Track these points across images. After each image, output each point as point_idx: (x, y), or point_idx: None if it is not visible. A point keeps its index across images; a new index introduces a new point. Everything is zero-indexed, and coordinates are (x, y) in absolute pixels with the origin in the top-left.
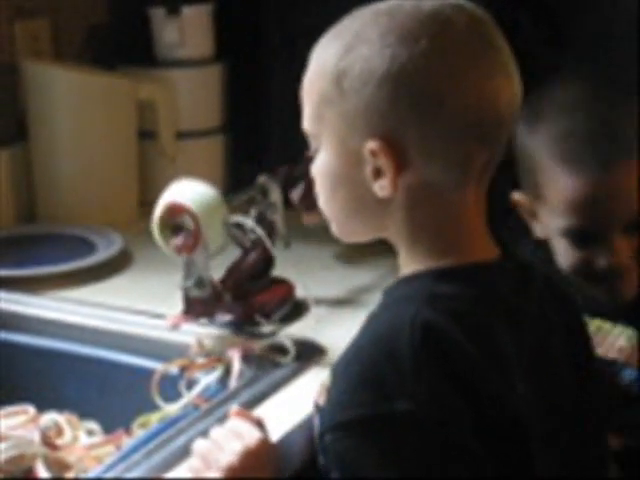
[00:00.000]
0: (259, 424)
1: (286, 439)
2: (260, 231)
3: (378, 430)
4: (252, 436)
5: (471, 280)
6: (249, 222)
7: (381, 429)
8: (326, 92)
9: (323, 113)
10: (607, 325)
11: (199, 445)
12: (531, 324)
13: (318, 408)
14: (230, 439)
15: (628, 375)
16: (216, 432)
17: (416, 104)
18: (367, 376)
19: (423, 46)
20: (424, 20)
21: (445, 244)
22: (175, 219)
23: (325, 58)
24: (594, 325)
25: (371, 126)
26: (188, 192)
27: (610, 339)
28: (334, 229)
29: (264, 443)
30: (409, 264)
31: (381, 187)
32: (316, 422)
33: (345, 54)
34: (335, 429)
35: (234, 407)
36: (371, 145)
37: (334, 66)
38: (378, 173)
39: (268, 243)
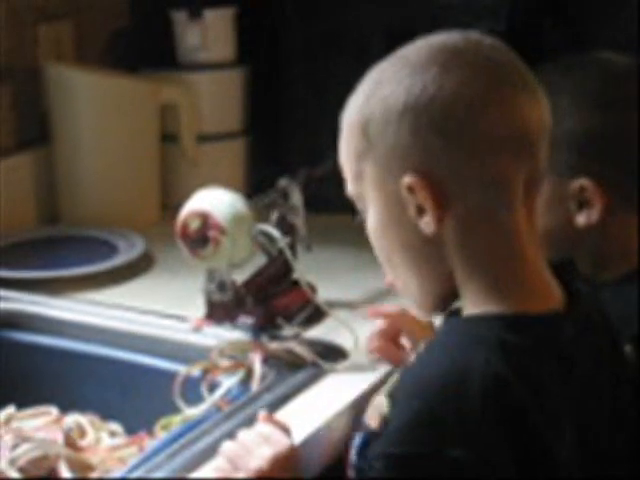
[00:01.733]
0: (286, 430)
1: (308, 442)
2: (283, 243)
3: (427, 470)
4: (281, 443)
5: (539, 331)
6: (275, 233)
7: (430, 470)
8: (358, 147)
9: (361, 169)
10: None
11: (227, 447)
12: (586, 378)
13: (364, 428)
14: (259, 443)
15: None
16: (244, 435)
17: (438, 130)
18: (429, 415)
19: (434, 73)
20: (433, 51)
21: (503, 279)
22: (196, 225)
23: (350, 116)
24: None
25: (402, 163)
26: (213, 201)
27: None
28: (415, 301)
29: (292, 450)
30: (469, 305)
31: (426, 224)
32: (357, 440)
33: (366, 103)
34: (387, 458)
35: (262, 412)
36: (406, 181)
37: (358, 119)
38: (420, 211)
39: (290, 256)
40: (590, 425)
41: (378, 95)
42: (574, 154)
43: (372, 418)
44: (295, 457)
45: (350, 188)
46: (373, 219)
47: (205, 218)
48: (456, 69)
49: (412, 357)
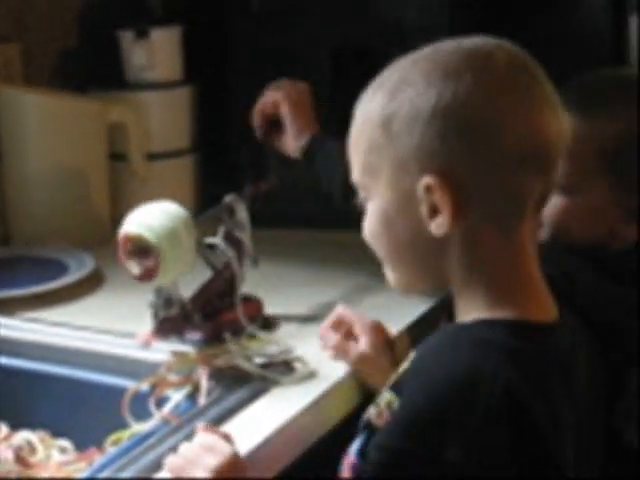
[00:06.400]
0: (227, 438)
1: (253, 455)
2: (231, 253)
3: (421, 470)
4: (224, 450)
5: (543, 339)
6: (221, 244)
7: (425, 469)
8: (374, 140)
9: (372, 161)
10: None
11: (171, 461)
12: (581, 386)
13: (368, 426)
14: (202, 454)
15: None
16: (186, 448)
17: (465, 138)
18: (433, 416)
19: (467, 80)
20: (466, 56)
21: (505, 287)
22: (138, 244)
23: (370, 108)
24: None
25: (423, 165)
26: (148, 219)
27: None
28: (391, 280)
29: (236, 457)
30: (468, 310)
31: (438, 225)
32: (359, 441)
33: (390, 100)
34: (385, 450)
35: (200, 423)
36: (426, 180)
37: (380, 113)
38: (434, 211)
39: (237, 267)
40: (586, 430)
41: (405, 94)
42: None
43: (375, 414)
44: (240, 464)
45: (355, 177)
46: (376, 211)
47: (139, 241)
48: (489, 78)
49: (364, 346)
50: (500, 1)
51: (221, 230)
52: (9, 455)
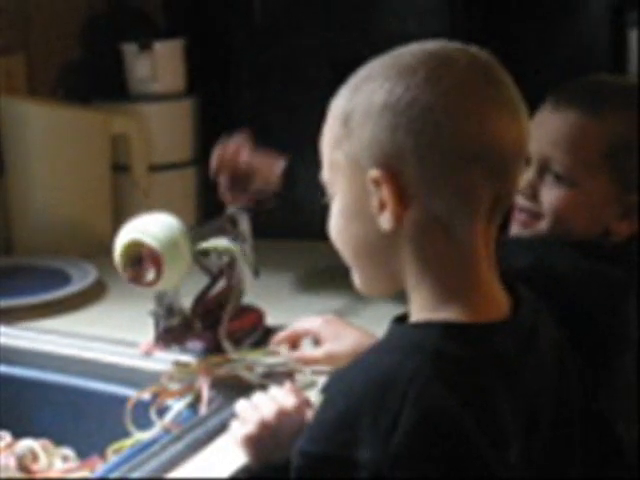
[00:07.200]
0: (298, 393)
1: None
2: (225, 257)
3: (335, 472)
4: (287, 400)
5: (479, 341)
6: (224, 242)
7: (338, 472)
8: (336, 136)
9: (335, 157)
10: None
11: (240, 406)
12: (530, 385)
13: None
14: (267, 402)
15: None
16: (257, 397)
17: (413, 133)
18: (346, 417)
19: (420, 77)
20: (425, 56)
21: (452, 288)
22: (136, 253)
23: (336, 105)
24: None
25: (373, 158)
26: (146, 228)
27: None
28: (356, 281)
29: (299, 408)
30: (416, 311)
31: (385, 220)
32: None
33: (352, 95)
34: (301, 455)
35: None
36: (372, 174)
37: (343, 109)
38: (382, 206)
39: (230, 272)
40: (537, 431)
41: (364, 89)
42: None
43: (311, 416)
44: (303, 415)
45: (324, 173)
46: (338, 206)
47: (140, 248)
48: (443, 77)
49: (325, 346)
50: (500, 12)
51: None
52: (12, 463)
